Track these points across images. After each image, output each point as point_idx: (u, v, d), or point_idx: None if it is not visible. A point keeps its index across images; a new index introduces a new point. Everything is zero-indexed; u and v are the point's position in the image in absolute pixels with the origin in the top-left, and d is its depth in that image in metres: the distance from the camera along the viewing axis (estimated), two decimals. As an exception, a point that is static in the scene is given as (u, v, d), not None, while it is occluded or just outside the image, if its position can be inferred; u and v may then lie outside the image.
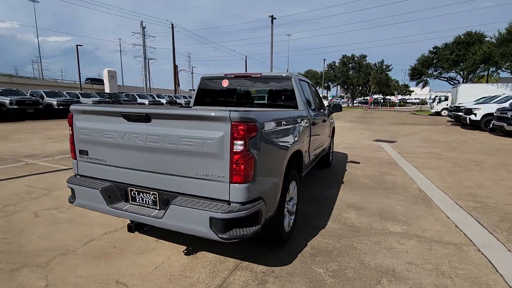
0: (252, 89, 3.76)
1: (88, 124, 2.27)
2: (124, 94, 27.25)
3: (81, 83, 35.71)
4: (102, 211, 2.22)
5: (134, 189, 2.18)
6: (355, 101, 72.90)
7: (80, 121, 2.32)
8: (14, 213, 3.39)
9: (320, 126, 4.22)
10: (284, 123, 2.42)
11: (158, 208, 2.11)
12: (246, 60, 52.93)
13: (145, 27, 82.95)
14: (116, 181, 2.25)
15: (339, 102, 67.89)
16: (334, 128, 6.16)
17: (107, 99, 21.18)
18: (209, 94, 3.95)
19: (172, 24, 35.61)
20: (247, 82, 3.76)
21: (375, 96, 63.38)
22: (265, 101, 3.70)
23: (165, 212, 1.97)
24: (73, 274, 2.25)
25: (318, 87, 53.67)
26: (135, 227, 2.17)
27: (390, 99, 58.14)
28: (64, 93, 19.95)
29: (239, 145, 1.81)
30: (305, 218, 3.38)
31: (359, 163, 6.47)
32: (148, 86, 46.77)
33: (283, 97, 3.58)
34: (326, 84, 55.14)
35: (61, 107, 17.08)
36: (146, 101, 24.16)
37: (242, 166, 1.83)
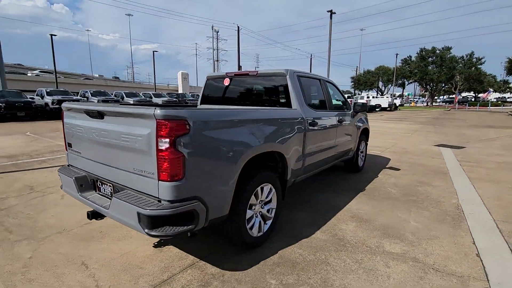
0: (249, 87, 3.67)
1: (70, 120, 2.56)
2: (190, 94, 29.65)
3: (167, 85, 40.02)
4: (75, 198, 2.47)
5: (99, 180, 2.38)
6: (438, 100, 64.43)
7: (67, 118, 2.63)
8: (49, 194, 4.04)
9: (330, 127, 3.87)
10: (241, 122, 2.30)
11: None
12: (311, 58, 51.76)
13: (218, 31, 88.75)
14: (88, 171, 2.48)
15: (416, 100, 60.88)
16: (366, 129, 5.57)
17: (174, 99, 23.33)
18: (213, 93, 4.01)
19: (238, 27, 37.10)
20: (246, 80, 3.68)
21: (464, 94, 54.73)
22: (261, 99, 3.57)
23: (109, 204, 2.09)
24: (55, 251, 2.57)
25: (390, 85, 48.94)
26: (92, 215, 2.36)
27: (481, 97, 49.28)
28: (141, 94, 22.74)
29: (164, 143, 1.80)
30: (293, 224, 3.17)
31: (399, 170, 5.72)
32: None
33: (277, 94, 3.40)
34: (400, 81, 49.84)
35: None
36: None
37: (168, 165, 1.81)
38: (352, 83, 53.99)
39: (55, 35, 22.36)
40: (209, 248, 2.64)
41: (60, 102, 16.23)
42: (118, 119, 2.04)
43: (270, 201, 2.79)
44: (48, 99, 16.33)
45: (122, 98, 20.18)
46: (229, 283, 2.15)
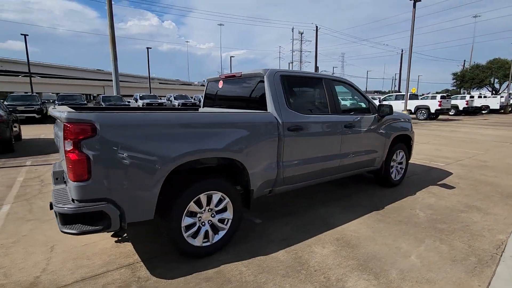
0: (236, 89, 3.51)
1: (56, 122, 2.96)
2: None
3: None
4: None
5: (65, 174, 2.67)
6: None
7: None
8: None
9: (330, 133, 3.38)
10: (167, 126, 2.21)
11: (67, 193, 2.49)
12: (401, 54, 46.21)
13: (302, 33, 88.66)
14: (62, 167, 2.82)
15: None
16: (404, 136, 4.64)
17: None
18: (211, 96, 4.00)
19: (316, 27, 36.17)
20: (234, 83, 3.54)
21: None
22: (244, 101, 3.37)
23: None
24: (44, 233, 3.00)
25: (507, 81, 39.33)
26: (50, 206, 2.64)
27: None
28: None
29: (68, 144, 1.89)
30: (263, 238, 2.89)
31: (453, 188, 4.58)
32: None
33: (256, 96, 3.15)
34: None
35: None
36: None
37: (72, 165, 1.90)
38: (454, 80, 45.72)
39: (150, 48, 26.58)
40: (161, 250, 2.65)
41: (148, 105, 18.96)
42: (57, 121, 2.26)
43: (224, 210, 2.62)
44: (140, 102, 19.27)
45: (200, 101, 22.20)
46: (145, 289, 2.12)
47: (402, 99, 19.53)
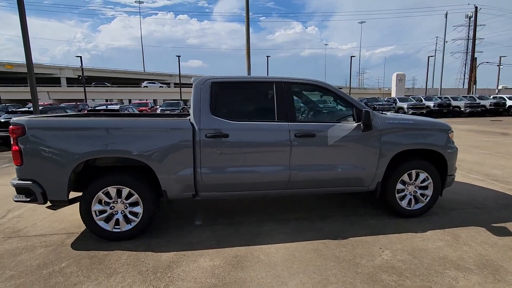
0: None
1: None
2: (385, 98, 27.13)
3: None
4: None
5: None
6: None
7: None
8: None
9: (269, 143, 3.08)
10: (79, 129, 2.79)
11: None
12: None
13: (471, 17, 72.12)
14: None
15: None
16: (429, 151, 3.41)
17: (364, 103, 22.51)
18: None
19: (476, 7, 28.41)
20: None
21: None
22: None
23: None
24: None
25: None
26: None
27: None
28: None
29: (12, 140, 2.81)
30: (179, 237, 3.05)
31: (507, 236, 3.04)
32: (445, 88, 40.53)
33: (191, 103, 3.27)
34: None
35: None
36: (432, 104, 21.64)
37: (12, 155, 2.81)
38: None
39: (269, 56, 28.66)
40: (101, 229, 3.30)
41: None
42: None
43: (136, 204, 2.99)
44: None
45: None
46: (53, 252, 2.79)
47: None
